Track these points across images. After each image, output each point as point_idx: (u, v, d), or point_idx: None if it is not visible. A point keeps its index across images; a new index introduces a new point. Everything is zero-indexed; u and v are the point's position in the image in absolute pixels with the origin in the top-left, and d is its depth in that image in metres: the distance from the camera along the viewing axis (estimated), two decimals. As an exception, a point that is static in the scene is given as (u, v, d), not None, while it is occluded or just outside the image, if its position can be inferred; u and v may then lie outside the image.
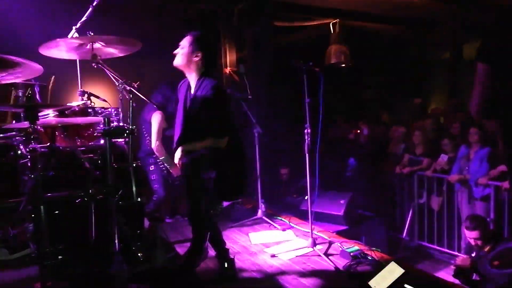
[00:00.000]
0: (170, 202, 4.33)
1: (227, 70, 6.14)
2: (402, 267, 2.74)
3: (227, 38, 6.38)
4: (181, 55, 2.59)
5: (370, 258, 3.17)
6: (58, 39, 2.26)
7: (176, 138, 2.64)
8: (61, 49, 2.43)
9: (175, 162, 2.57)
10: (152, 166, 3.75)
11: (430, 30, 8.64)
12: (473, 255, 3.56)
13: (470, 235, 3.54)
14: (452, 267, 3.60)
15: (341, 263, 3.14)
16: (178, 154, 2.56)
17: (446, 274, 4.14)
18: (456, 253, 4.90)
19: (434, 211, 5.33)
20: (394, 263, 2.81)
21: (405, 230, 5.48)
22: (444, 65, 9.87)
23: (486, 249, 3.47)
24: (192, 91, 2.64)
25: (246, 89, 4.90)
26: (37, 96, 3.00)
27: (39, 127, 2.07)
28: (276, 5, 5.94)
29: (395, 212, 5.76)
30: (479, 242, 3.50)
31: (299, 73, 3.57)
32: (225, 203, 4.44)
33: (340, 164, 6.46)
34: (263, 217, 4.26)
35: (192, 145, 2.57)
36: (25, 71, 1.95)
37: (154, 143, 3.45)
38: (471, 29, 8.36)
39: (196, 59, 2.58)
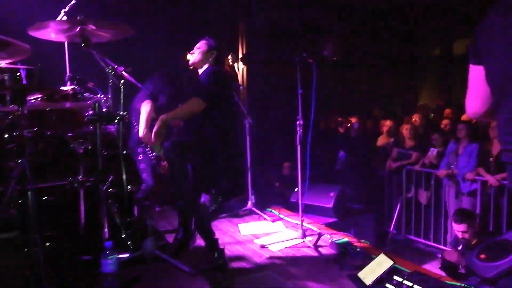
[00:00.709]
0: (159, 192, 4.29)
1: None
2: (391, 259, 2.76)
3: (218, 26, 6.31)
4: (198, 54, 2.95)
5: (359, 250, 3.20)
6: (50, 21, 2.18)
7: None
8: (49, 31, 2.35)
9: (153, 133, 2.59)
10: (141, 155, 3.70)
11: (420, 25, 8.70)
12: (459, 248, 3.60)
13: (458, 228, 3.59)
14: (439, 260, 3.65)
15: (331, 254, 3.15)
16: (155, 127, 2.60)
17: (432, 267, 4.19)
18: (442, 246, 4.98)
19: (422, 205, 5.40)
20: (384, 255, 2.83)
21: (393, 224, 5.54)
22: (434, 61, 9.98)
23: (473, 242, 3.52)
24: None
25: (236, 79, 4.85)
26: (24, 81, 2.91)
27: (26, 111, 2.00)
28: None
29: (384, 205, 5.82)
30: (466, 235, 3.54)
31: (292, 64, 3.55)
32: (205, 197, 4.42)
33: (330, 156, 6.49)
34: (253, 208, 4.26)
35: (172, 113, 2.67)
36: (13, 52, 1.88)
37: (142, 131, 3.41)
38: (461, 25, 8.44)
39: (212, 56, 2.95)
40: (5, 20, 3.32)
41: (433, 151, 5.25)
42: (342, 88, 8.73)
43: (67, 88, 2.63)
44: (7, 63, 2.39)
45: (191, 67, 3.03)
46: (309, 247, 3.28)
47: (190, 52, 2.99)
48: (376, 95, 9.13)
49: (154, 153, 3.51)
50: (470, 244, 3.53)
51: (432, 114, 7.21)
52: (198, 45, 3.01)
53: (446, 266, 3.42)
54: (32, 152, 2.01)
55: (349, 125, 6.88)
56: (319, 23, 7.68)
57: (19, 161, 1.92)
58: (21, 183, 1.85)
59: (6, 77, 2.84)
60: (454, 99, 8.33)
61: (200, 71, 3.00)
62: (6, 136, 2.00)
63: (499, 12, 1.32)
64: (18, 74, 2.10)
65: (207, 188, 3.38)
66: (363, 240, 3.51)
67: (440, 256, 3.70)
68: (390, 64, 9.22)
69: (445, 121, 5.86)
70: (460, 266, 3.30)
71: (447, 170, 4.99)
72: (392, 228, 5.55)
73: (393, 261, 2.75)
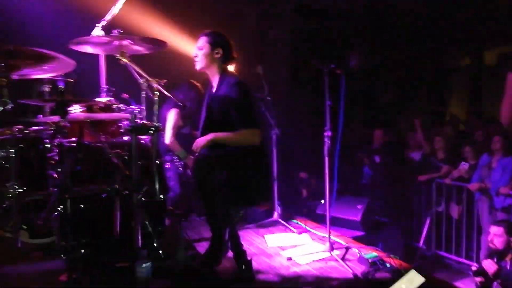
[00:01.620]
0: (186, 200, 4.35)
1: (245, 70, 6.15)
2: (422, 276, 2.69)
3: (245, 38, 6.40)
4: (202, 56, 2.59)
5: (388, 266, 3.12)
6: (91, 36, 2.29)
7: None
8: (88, 45, 2.46)
9: (194, 149, 2.47)
10: (168, 164, 3.77)
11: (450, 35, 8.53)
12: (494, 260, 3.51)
13: (495, 231, 3.51)
14: (471, 278, 3.55)
15: (359, 269, 3.09)
16: (202, 140, 2.45)
17: (464, 286, 4.06)
18: (475, 263, 4.80)
19: (453, 220, 5.24)
20: (414, 271, 2.76)
21: (422, 239, 5.39)
22: (464, 71, 9.74)
23: (508, 258, 3.41)
24: (214, 90, 2.65)
25: (264, 90, 4.89)
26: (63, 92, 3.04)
27: (67, 122, 2.09)
28: (297, 7, 5.93)
29: (412, 219, 5.68)
30: (498, 241, 3.46)
31: (320, 75, 3.55)
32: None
33: (356, 169, 6.40)
34: (279, 220, 4.24)
35: (225, 137, 2.44)
36: (58, 66, 1.98)
37: (169, 138, 3.47)
38: (492, 35, 8.24)
39: (218, 55, 2.60)
40: (48, 34, 3.50)
41: (464, 165, 5.11)
42: (368, 100, 8.66)
43: (104, 99, 2.73)
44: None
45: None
46: (336, 260, 3.24)
47: (193, 55, 2.64)
48: (403, 106, 8.99)
49: (181, 161, 3.57)
50: (505, 260, 3.42)
51: (463, 126, 7.04)
52: (198, 44, 2.63)
53: (480, 273, 3.33)
54: (72, 161, 2.09)
55: (375, 137, 6.77)
56: (345, 34, 7.67)
57: (60, 170, 2.00)
58: (61, 191, 1.92)
59: (46, 88, 3.00)
60: (484, 110, 8.10)
61: (214, 78, 2.68)
62: (47, 145, 2.09)
63: None
64: (60, 86, 2.19)
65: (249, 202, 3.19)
66: (392, 255, 3.43)
67: (472, 271, 3.60)
68: (418, 74, 9.07)
69: (478, 132, 5.70)
70: (495, 282, 3.19)
71: (480, 184, 4.84)
72: (421, 243, 5.40)
73: (424, 278, 2.68)
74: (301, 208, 5.43)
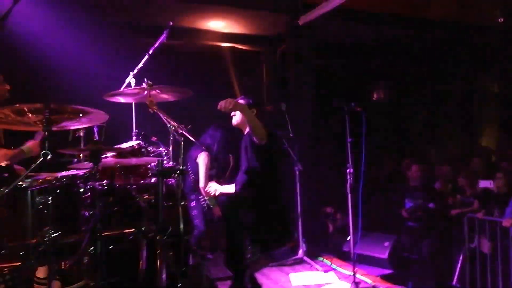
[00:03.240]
0: (211, 238, 4.41)
1: (269, 107, 6.31)
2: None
3: (270, 77, 6.61)
4: (240, 115, 2.94)
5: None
6: (122, 89, 2.50)
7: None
8: (121, 97, 2.67)
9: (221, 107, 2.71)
10: (194, 202, 3.88)
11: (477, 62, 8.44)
12: None
13: None
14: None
15: (386, 310, 3.03)
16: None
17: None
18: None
19: (487, 257, 5.01)
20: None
21: (455, 277, 5.16)
22: (493, 98, 9.50)
23: None
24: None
25: (287, 127, 5.00)
26: (96, 137, 3.25)
27: (100, 167, 2.25)
28: (319, 45, 6.10)
29: (444, 256, 5.46)
30: None
31: (341, 113, 3.64)
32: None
33: (387, 204, 6.20)
34: (304, 257, 4.22)
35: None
36: (93, 119, 2.17)
37: (203, 183, 3.61)
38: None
39: (253, 113, 2.91)
40: (85, 87, 3.81)
41: (484, 183, 4.93)
42: (396, 131, 8.58)
43: (133, 143, 2.91)
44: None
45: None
46: (363, 300, 3.18)
47: (231, 114, 3.00)
48: (432, 136, 8.82)
49: (205, 201, 3.68)
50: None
51: (494, 157, 6.82)
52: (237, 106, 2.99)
53: None
54: (103, 204, 2.23)
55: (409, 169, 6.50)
56: (368, 67, 7.75)
57: (92, 213, 2.14)
58: (92, 234, 2.05)
59: (82, 134, 3.22)
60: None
61: (246, 130, 3.01)
62: (81, 190, 2.25)
63: None
64: (95, 137, 2.37)
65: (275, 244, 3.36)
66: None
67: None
68: (447, 102, 8.93)
69: (504, 164, 5.51)
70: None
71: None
72: (455, 281, 5.16)
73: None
74: (327, 245, 5.36)
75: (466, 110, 9.33)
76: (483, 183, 4.97)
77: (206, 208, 3.74)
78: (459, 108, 9.18)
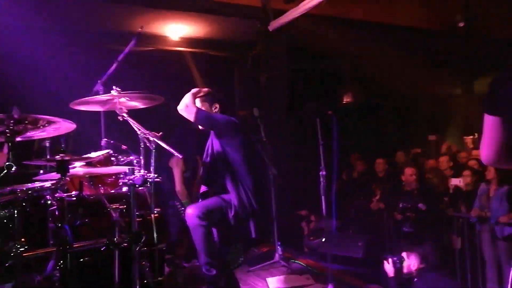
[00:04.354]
0: (186, 246, 4.36)
1: (242, 113, 6.33)
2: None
3: (242, 82, 6.64)
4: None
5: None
6: (90, 97, 2.44)
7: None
8: (88, 104, 2.61)
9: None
10: (171, 209, 3.83)
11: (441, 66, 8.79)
12: None
13: None
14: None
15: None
16: None
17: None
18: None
19: (456, 252, 5.18)
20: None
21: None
22: (457, 100, 9.94)
23: None
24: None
25: (260, 132, 5.03)
26: (63, 146, 3.16)
27: (68, 178, 2.19)
28: (289, 50, 6.19)
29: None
30: None
31: (313, 117, 3.70)
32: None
33: (362, 204, 6.27)
34: (280, 261, 4.23)
35: None
36: (59, 129, 2.10)
37: (179, 186, 3.58)
38: (481, 65, 8.50)
39: (215, 110, 2.94)
40: (51, 94, 3.70)
41: (454, 181, 5.11)
42: (366, 132, 8.78)
43: (103, 152, 2.85)
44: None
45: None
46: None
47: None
48: (399, 137, 9.11)
49: (183, 208, 3.64)
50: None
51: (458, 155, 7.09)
52: (201, 106, 3.00)
53: None
54: (72, 216, 2.17)
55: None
56: (339, 71, 7.92)
57: (60, 225, 2.08)
58: (62, 247, 1.98)
59: (47, 144, 3.12)
60: (479, 138, 8.18)
61: None
62: (48, 201, 2.17)
63: None
64: (62, 145, 2.31)
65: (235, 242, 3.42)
66: (395, 293, 3.41)
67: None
68: (413, 105, 9.25)
69: (471, 162, 5.74)
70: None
71: (480, 211, 4.82)
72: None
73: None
74: (302, 247, 5.41)
75: (431, 113, 9.70)
76: (454, 181, 5.16)
77: (183, 215, 3.69)
78: (425, 111, 9.54)
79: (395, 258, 3.99)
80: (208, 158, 2.93)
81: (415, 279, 3.93)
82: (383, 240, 5.51)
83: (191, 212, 2.68)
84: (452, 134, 9.67)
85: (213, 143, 2.91)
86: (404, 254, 4.15)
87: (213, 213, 2.75)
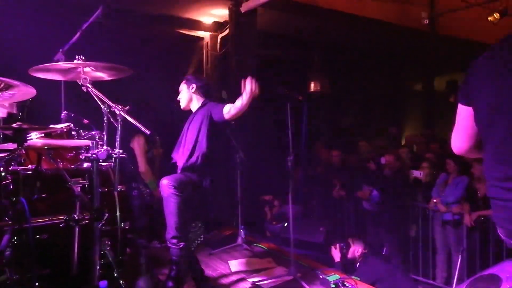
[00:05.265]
0: (149, 228, 4.26)
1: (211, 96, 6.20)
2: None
3: (211, 64, 6.49)
4: (183, 95, 3.07)
5: (349, 286, 3.20)
6: (52, 63, 2.26)
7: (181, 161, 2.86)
8: (49, 72, 2.42)
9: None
10: (135, 192, 3.71)
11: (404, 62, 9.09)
12: None
13: None
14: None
15: (322, 291, 3.15)
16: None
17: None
18: (431, 281, 4.99)
19: (410, 239, 5.42)
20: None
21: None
22: (417, 96, 10.36)
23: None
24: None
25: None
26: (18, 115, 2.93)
27: (24, 149, 2.03)
28: (260, 35, 6.11)
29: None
30: None
31: (283, 100, 3.68)
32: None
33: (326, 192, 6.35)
34: (243, 244, 4.24)
35: None
36: (18, 94, 1.93)
37: (143, 166, 3.47)
38: (441, 63, 8.88)
39: (193, 89, 3.03)
40: (9, 61, 3.40)
41: (416, 173, 5.34)
42: (330, 122, 8.95)
43: (63, 125, 2.68)
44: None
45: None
46: (300, 284, 3.27)
47: (178, 98, 3.09)
48: (362, 128, 9.36)
49: (147, 190, 3.54)
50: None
51: (415, 146, 7.39)
52: (180, 89, 3.10)
53: None
54: (28, 189, 2.02)
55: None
56: (308, 59, 7.95)
57: (15, 199, 1.93)
58: (17, 222, 1.85)
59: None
60: (437, 132, 8.59)
61: (194, 108, 3.07)
62: (2, 174, 2.01)
63: (489, 56, 1.42)
64: (16, 113, 2.13)
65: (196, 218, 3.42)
66: (353, 276, 3.52)
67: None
68: (376, 98, 9.51)
69: (428, 155, 5.98)
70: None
71: (437, 198, 5.04)
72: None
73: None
74: (265, 232, 5.45)
75: (394, 106, 10.03)
76: (415, 173, 5.36)
77: (147, 195, 3.59)
78: (387, 103, 9.84)
79: (342, 244, 4.25)
80: (191, 135, 2.93)
81: (357, 264, 4.22)
82: (343, 227, 5.68)
83: (166, 183, 2.62)
84: (412, 128, 10.08)
85: (202, 123, 2.91)
86: (350, 240, 4.38)
87: (186, 186, 2.71)
